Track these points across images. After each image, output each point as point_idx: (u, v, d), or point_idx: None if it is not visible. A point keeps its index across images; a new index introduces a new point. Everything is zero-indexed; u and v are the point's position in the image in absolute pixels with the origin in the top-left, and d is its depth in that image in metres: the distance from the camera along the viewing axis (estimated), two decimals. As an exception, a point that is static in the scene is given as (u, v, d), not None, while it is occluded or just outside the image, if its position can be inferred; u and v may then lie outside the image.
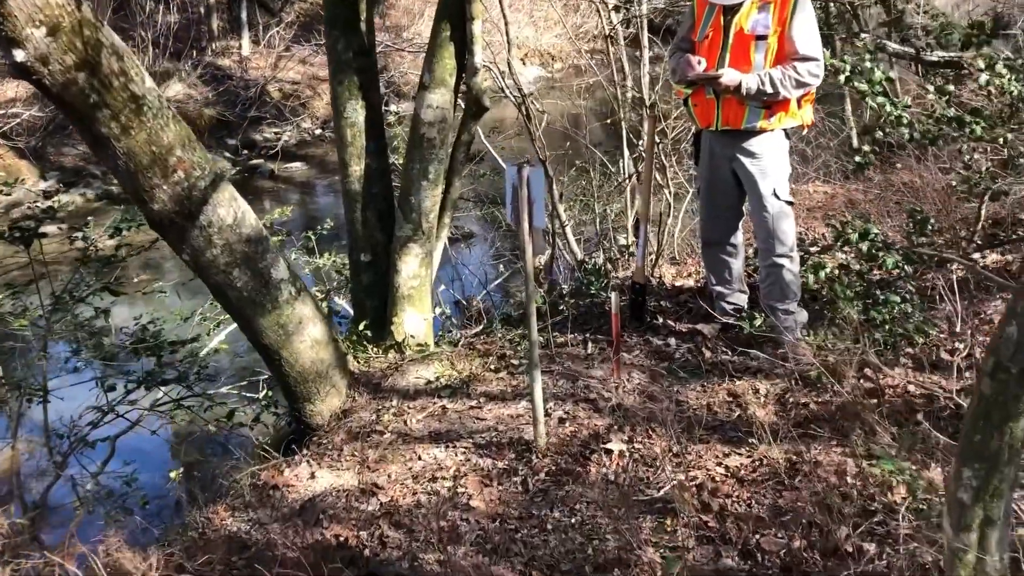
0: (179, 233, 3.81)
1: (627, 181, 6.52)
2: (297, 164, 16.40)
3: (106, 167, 3.69)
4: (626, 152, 6.60)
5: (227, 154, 16.81)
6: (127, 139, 3.51)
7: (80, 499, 4.27)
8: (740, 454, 3.28)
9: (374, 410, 4.16)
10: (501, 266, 8.85)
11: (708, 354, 4.16)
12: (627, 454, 3.32)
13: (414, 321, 4.54)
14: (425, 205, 4.37)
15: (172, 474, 4.06)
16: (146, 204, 3.73)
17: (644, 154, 4.93)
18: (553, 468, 3.29)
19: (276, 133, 17.88)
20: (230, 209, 3.88)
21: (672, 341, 4.34)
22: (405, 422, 3.94)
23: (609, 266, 5.58)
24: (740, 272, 4.37)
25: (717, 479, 3.13)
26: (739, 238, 4.31)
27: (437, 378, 4.29)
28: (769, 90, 3.78)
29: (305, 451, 3.82)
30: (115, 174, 3.69)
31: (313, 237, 6.90)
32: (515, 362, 4.35)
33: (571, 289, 5.28)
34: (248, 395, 5.26)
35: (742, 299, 4.40)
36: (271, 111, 17.65)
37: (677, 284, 5.14)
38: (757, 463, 3.20)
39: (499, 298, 9.21)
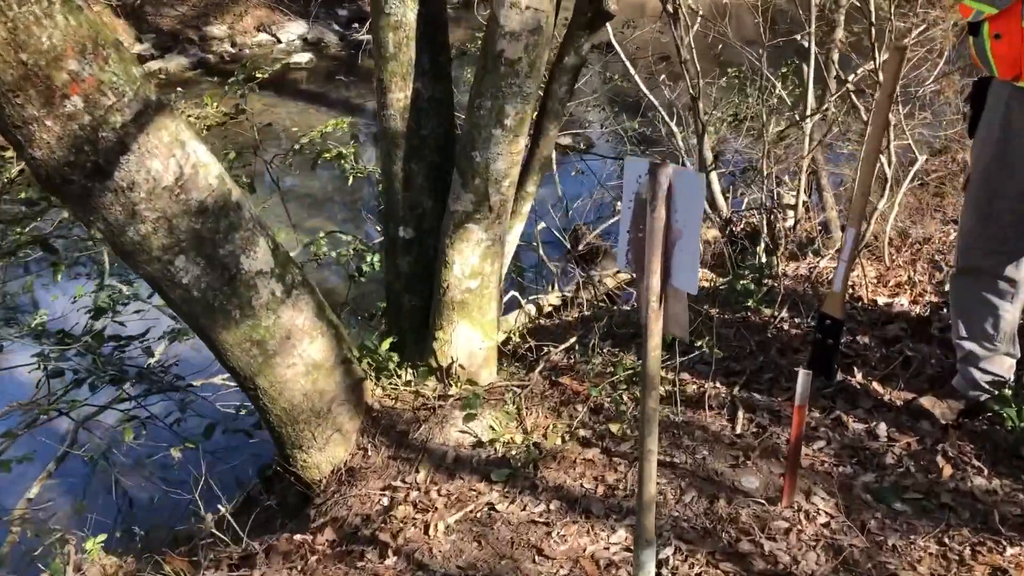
0: (82, 198, 2.32)
1: (807, 119, 4.64)
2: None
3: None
4: (809, 76, 4.68)
5: (335, 26, 15.32)
6: (-31, 37, 1.99)
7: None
8: None
9: (389, 482, 2.68)
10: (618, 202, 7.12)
11: (947, 470, 2.45)
12: None
13: (468, 341, 2.97)
14: (497, 166, 2.73)
15: (89, 544, 2.70)
16: (23, 149, 2.24)
17: (873, 111, 3.10)
18: None
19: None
20: (170, 161, 2.36)
21: (881, 429, 2.63)
22: (427, 528, 2.43)
23: (773, 259, 3.78)
24: (1014, 324, 2.59)
25: None
26: (1023, 270, 2.52)
27: (491, 441, 2.74)
28: None
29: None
30: (-34, 94, 2.18)
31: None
32: (614, 428, 2.74)
33: (712, 288, 3.57)
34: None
35: (1007, 367, 2.64)
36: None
37: (881, 302, 3.36)
38: None
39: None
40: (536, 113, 2.91)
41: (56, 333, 3.12)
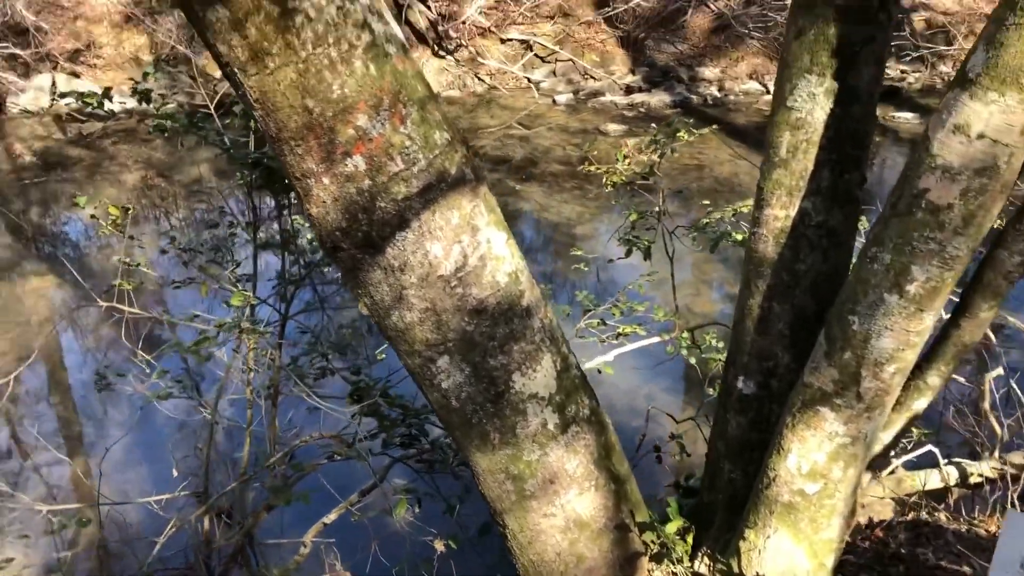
0: (351, 269, 2.01)
1: None
2: (909, 115, 13.29)
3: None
4: None
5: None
6: (259, 73, 1.76)
7: None
8: None
9: None
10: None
11: None
12: None
13: (786, 558, 2.16)
14: (879, 343, 1.90)
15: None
16: (302, 202, 1.98)
17: None
18: None
19: (903, 72, 14.84)
20: (454, 247, 1.95)
21: None
22: None
23: None
24: None
25: None
26: None
27: None
28: None
29: None
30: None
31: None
32: None
33: None
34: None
35: None
36: (906, 43, 14.49)
37: None
38: None
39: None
40: (969, 284, 2.01)
41: (356, 375, 2.93)
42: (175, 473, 3.12)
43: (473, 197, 1.98)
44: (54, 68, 11.71)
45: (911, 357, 1.96)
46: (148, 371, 3.24)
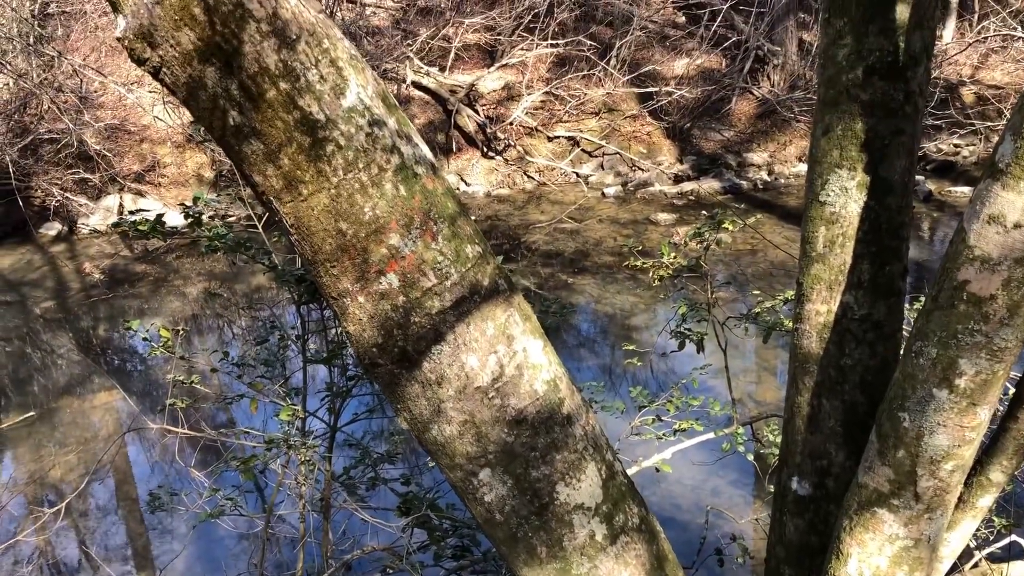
0: (389, 384, 2.02)
1: None
2: (966, 189, 13.10)
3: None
4: None
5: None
6: (293, 200, 1.81)
7: None
8: None
9: None
10: None
11: None
12: None
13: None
14: (933, 440, 1.83)
15: None
16: (340, 321, 2.02)
17: None
18: None
19: (956, 145, 14.71)
20: (490, 357, 1.95)
21: None
22: None
23: None
24: None
25: None
26: None
27: None
28: None
29: None
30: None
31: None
32: None
33: None
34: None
35: None
36: (954, 117, 14.36)
37: None
38: None
39: None
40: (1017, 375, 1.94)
41: (406, 484, 2.91)
42: (228, 593, 3.11)
43: (507, 307, 1.99)
44: (121, 190, 12.25)
45: (968, 453, 1.88)
46: (204, 487, 3.26)
